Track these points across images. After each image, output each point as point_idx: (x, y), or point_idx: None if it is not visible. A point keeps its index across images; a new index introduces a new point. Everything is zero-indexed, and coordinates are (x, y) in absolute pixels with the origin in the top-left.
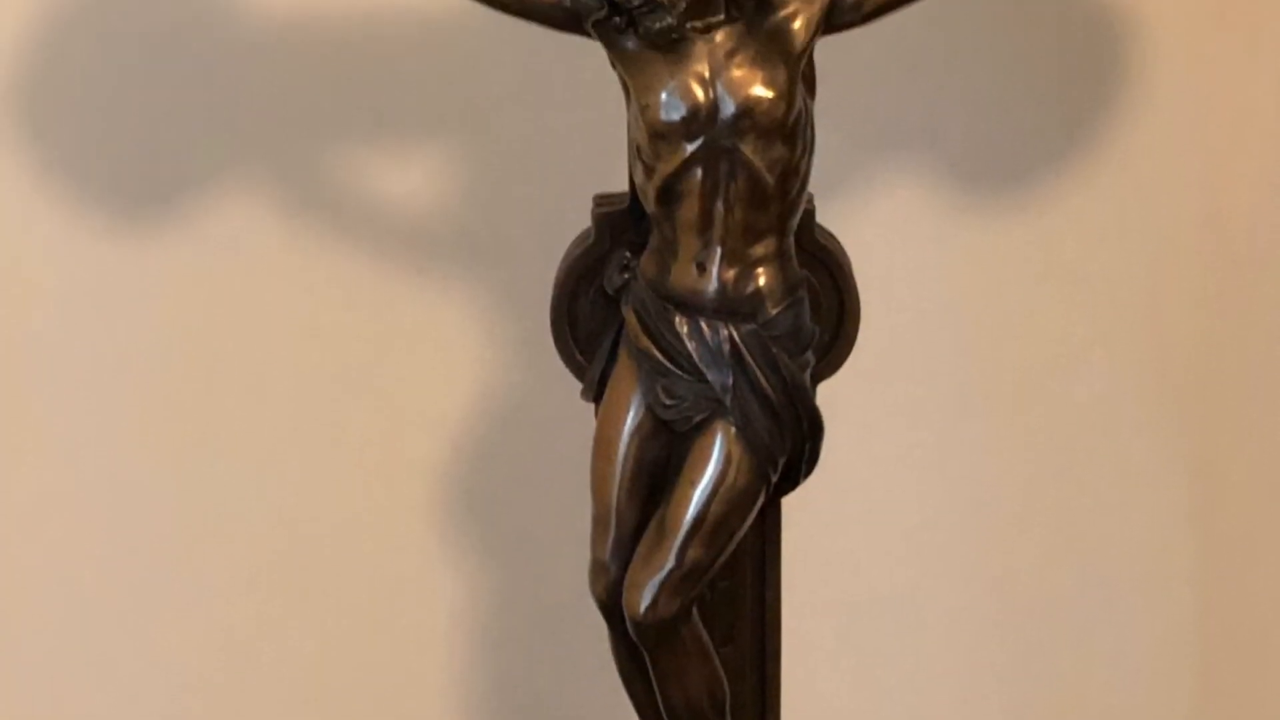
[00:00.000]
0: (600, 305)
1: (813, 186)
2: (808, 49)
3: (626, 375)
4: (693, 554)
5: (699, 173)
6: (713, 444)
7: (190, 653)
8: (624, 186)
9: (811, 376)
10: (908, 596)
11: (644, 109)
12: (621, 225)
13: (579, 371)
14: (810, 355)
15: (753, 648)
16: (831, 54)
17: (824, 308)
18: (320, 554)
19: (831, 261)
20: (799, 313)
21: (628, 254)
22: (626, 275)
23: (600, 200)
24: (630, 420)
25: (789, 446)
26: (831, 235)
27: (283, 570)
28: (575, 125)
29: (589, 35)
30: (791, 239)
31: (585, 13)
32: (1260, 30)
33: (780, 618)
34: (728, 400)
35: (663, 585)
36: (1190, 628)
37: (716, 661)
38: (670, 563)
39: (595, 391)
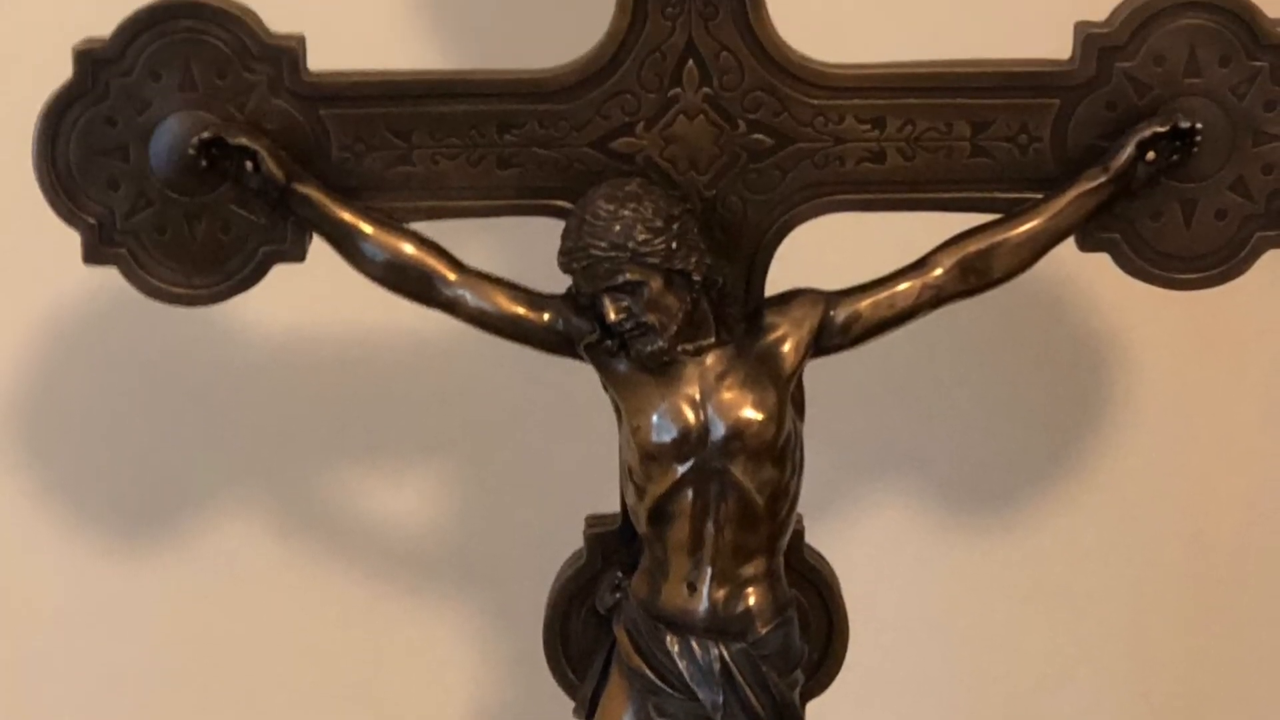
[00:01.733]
0: (592, 625)
1: (802, 506)
2: (797, 372)
3: (618, 694)
4: None
5: (689, 494)
6: None
7: None
8: (616, 507)
9: (800, 695)
10: None
11: (635, 430)
12: (613, 545)
13: (571, 690)
14: (799, 674)
15: None
16: (821, 376)
17: (813, 626)
18: None
19: (820, 581)
20: (788, 632)
21: (619, 574)
22: (618, 595)
23: (592, 521)
24: None
25: None
26: (820, 555)
27: None
28: (567, 447)
29: (581, 358)
30: (781, 559)
31: (578, 336)
32: (1244, 354)
33: None
34: (718, 718)
35: None
36: None
37: None
38: None
39: (588, 710)
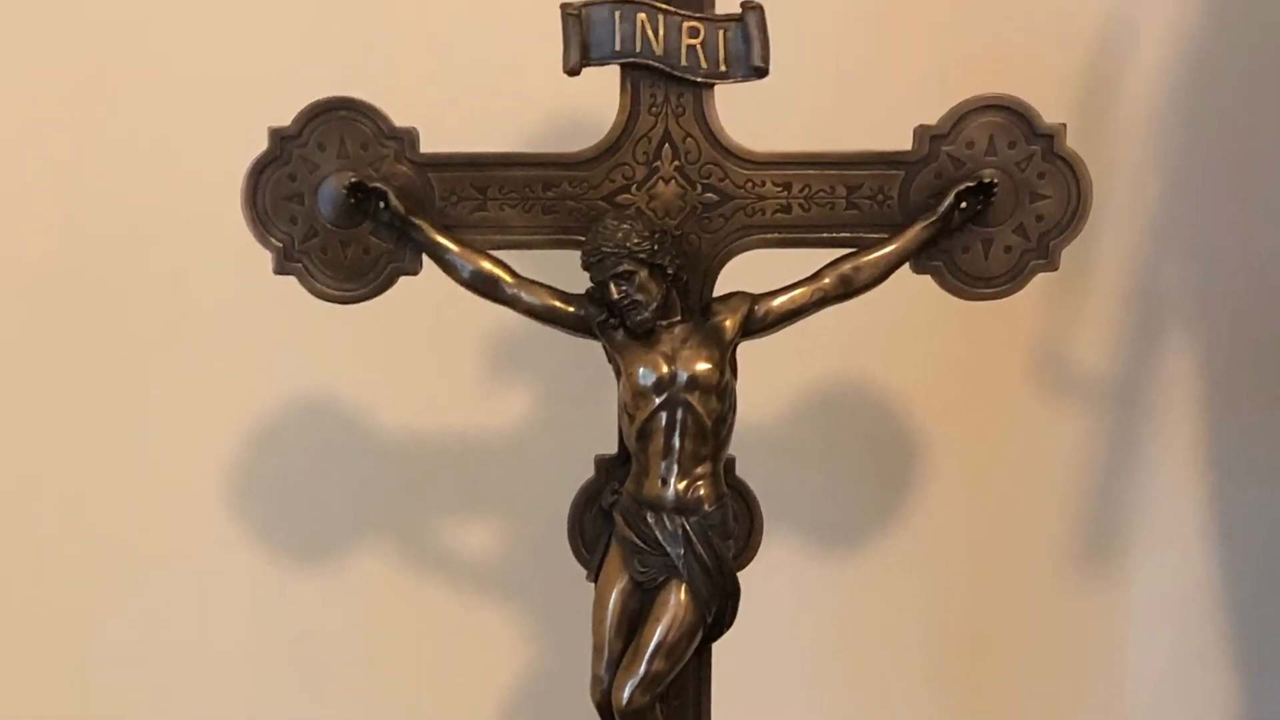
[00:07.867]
0: (599, 518)
1: None
2: (733, 341)
3: (615, 556)
4: (656, 665)
5: (663, 417)
6: (670, 595)
7: None
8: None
9: (733, 557)
10: None
11: (629, 376)
12: (612, 466)
13: (585, 563)
14: (731, 544)
15: None
16: None
17: (739, 518)
18: None
19: (745, 491)
20: (725, 513)
21: (616, 483)
22: (615, 495)
23: (599, 457)
24: (617, 584)
25: (718, 601)
26: (744, 481)
27: None
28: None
29: (594, 335)
30: (721, 466)
31: (593, 319)
32: None
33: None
34: (680, 566)
35: (637, 686)
36: None
37: None
38: (642, 671)
39: (596, 572)
